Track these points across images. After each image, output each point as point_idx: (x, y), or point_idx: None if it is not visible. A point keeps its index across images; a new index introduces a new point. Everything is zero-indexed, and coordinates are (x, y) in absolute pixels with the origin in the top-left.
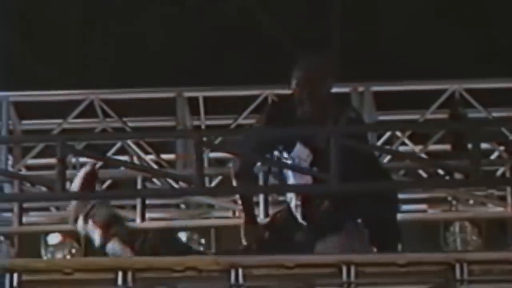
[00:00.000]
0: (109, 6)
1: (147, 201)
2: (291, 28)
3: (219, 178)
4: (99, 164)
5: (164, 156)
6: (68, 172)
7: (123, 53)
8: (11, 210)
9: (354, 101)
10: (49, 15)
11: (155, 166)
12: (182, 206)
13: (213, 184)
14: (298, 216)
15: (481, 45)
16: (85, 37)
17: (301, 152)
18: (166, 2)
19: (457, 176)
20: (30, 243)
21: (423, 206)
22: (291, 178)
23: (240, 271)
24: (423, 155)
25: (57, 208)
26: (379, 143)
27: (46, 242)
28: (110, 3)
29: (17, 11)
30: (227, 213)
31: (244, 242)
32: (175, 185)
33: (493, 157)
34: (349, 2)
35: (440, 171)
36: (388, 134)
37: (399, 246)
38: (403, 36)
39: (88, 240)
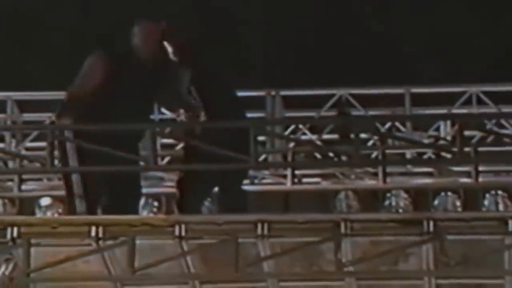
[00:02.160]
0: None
1: None
2: None
3: (168, 158)
4: None
5: None
6: (56, 153)
7: None
8: (13, 180)
9: (268, 102)
10: (44, 30)
11: None
12: None
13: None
14: None
15: (362, 60)
16: (73, 47)
17: None
18: None
19: (343, 158)
20: (27, 205)
21: (318, 179)
22: None
23: (183, 226)
24: (319, 142)
25: (48, 179)
26: (286, 133)
27: (39, 204)
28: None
29: (17, 26)
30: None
31: None
32: None
33: (369, 144)
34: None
35: (331, 154)
36: (292, 126)
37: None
38: (304, 53)
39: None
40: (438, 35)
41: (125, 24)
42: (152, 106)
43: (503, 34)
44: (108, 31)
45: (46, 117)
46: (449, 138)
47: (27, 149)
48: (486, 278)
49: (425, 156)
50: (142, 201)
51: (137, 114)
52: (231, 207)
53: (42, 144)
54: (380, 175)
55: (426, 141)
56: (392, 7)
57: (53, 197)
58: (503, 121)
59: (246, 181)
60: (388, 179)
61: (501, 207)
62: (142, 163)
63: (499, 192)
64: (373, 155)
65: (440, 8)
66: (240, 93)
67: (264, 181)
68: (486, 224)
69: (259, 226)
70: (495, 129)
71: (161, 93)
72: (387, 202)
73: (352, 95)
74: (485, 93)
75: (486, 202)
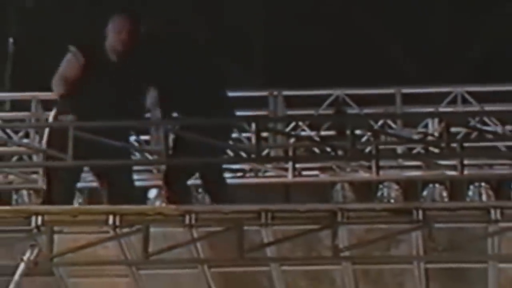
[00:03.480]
0: None
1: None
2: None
3: None
4: None
5: (142, 137)
6: None
7: None
8: (37, 173)
9: (270, 101)
10: (66, 32)
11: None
12: (154, 171)
13: None
14: None
15: (357, 63)
16: None
17: None
18: None
19: (340, 152)
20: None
21: (316, 172)
22: None
23: (192, 215)
24: (317, 138)
25: None
26: (287, 130)
27: None
28: None
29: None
30: None
31: None
32: (149, 157)
33: (363, 139)
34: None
35: (328, 149)
36: (293, 123)
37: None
38: (304, 56)
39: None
40: (427, 40)
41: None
42: (132, 98)
43: (486, 39)
44: None
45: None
46: (436, 134)
47: None
48: (470, 263)
49: (415, 151)
50: (156, 192)
51: (117, 108)
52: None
53: None
54: (374, 168)
55: (415, 137)
56: (385, 16)
57: None
58: (486, 119)
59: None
60: (381, 172)
61: (484, 197)
62: (156, 157)
63: (483, 183)
64: (367, 150)
65: (429, 16)
66: (246, 93)
67: (267, 173)
68: (470, 213)
69: (263, 215)
70: (479, 126)
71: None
72: (380, 193)
73: (348, 95)
74: (469, 93)
75: (470, 193)
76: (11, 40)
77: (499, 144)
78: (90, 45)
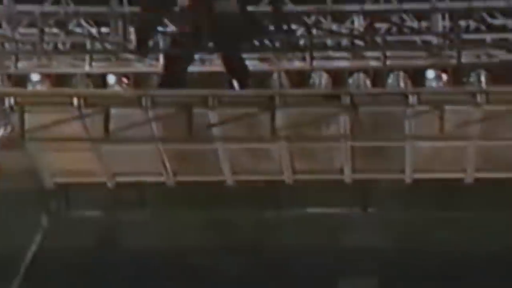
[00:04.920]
0: None
1: None
2: None
3: None
4: None
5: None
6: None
7: None
8: (10, 59)
9: None
10: None
11: None
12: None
13: None
14: None
15: None
16: None
17: None
18: None
19: (277, 44)
20: (21, 80)
21: (257, 62)
22: None
23: (148, 98)
24: None
25: (38, 58)
26: None
27: (30, 79)
28: None
29: None
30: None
31: None
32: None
33: (298, 34)
34: None
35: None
36: None
37: None
38: None
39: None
40: None
41: None
42: None
43: None
44: None
45: (37, 7)
46: (362, 29)
47: (21, 34)
48: (390, 141)
49: (343, 44)
50: (115, 78)
51: None
52: None
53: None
54: (307, 59)
55: (343, 31)
56: None
57: (41, 74)
58: (404, 16)
59: None
60: (313, 62)
61: (402, 85)
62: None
63: (401, 72)
64: (302, 43)
65: None
66: None
67: (215, 62)
68: (391, 98)
69: (210, 99)
70: (398, 22)
71: None
72: (311, 81)
73: None
74: None
75: (390, 81)
76: None
77: (416, 38)
78: None
